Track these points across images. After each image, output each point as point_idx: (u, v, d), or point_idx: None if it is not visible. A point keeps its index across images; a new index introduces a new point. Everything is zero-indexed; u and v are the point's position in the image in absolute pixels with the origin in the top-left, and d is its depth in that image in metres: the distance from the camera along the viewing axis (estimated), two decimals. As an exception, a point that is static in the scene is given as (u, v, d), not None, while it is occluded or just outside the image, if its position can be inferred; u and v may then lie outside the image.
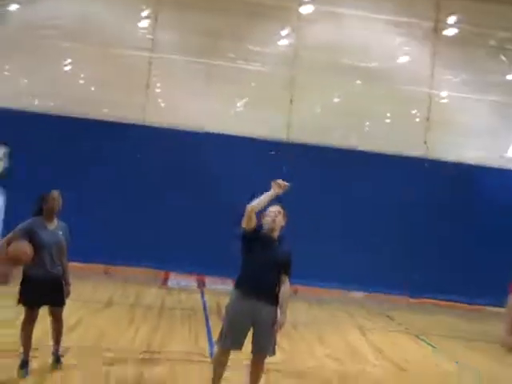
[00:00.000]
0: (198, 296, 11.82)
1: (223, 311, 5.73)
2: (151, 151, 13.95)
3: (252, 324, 5.42)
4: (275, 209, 5.65)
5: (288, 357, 7.77)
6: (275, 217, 5.58)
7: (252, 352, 5.51)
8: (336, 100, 15.31)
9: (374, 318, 11.82)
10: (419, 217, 14.47)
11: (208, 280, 13.39)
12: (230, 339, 5.44)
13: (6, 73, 14.35)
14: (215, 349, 5.69)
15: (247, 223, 5.45)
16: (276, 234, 5.61)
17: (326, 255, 13.75)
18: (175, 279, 13.58)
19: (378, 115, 15.17)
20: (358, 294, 13.98)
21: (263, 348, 5.47)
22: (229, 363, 5.57)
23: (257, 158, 14.10)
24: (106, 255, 13.33)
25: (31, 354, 6.02)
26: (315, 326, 10.31)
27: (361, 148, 14.69)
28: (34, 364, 6.04)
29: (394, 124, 15.25)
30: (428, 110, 15.28)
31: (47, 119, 13.73)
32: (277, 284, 5.50)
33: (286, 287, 5.52)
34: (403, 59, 15.31)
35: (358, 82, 15.16)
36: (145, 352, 7.19)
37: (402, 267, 14.04)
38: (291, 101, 14.80)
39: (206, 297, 11.69)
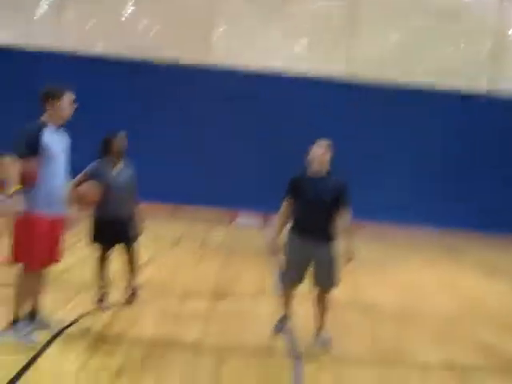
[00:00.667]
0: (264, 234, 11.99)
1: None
2: (215, 92, 14.05)
3: (310, 262, 5.56)
4: (320, 151, 5.62)
5: (353, 292, 7.89)
6: (321, 159, 5.60)
7: (314, 286, 5.67)
8: (399, 36, 14.93)
9: (445, 253, 11.73)
10: (486, 151, 14.22)
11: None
12: (290, 276, 5.64)
13: (69, 16, 14.56)
14: (280, 286, 5.83)
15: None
16: (324, 171, 5.63)
17: (395, 190, 13.70)
18: (243, 218, 13.80)
19: (443, 50, 14.77)
20: (427, 229, 13.86)
21: (323, 284, 5.61)
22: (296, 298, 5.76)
23: (319, 97, 14.02)
24: (175, 195, 13.65)
25: (108, 289, 6.34)
26: (382, 261, 10.35)
27: (425, 84, 14.37)
28: (110, 299, 6.35)
29: (460, 59, 14.83)
30: (495, 44, 14.78)
31: (112, 62, 13.96)
32: (330, 221, 5.57)
33: (344, 219, 5.58)
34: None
35: (423, 16, 14.72)
36: (214, 289, 7.43)
37: (474, 201, 13.86)
38: (352, 36, 14.55)
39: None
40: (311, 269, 5.60)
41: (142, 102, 13.85)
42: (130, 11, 14.74)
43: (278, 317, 5.87)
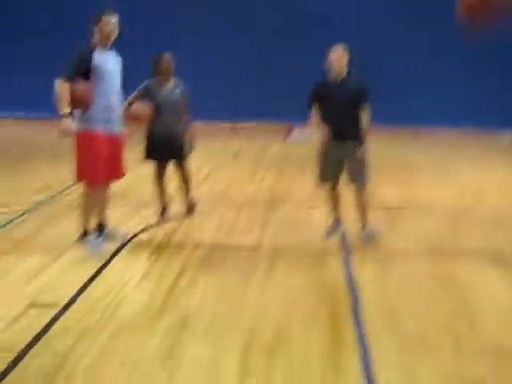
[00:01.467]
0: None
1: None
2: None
3: (343, 159, 5.89)
4: (337, 54, 5.80)
5: (408, 193, 8.08)
6: (339, 63, 5.80)
7: (349, 183, 6.00)
8: None
9: (503, 154, 11.59)
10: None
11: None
12: (326, 174, 6.00)
13: None
14: (322, 188, 6.15)
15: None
16: (342, 74, 5.84)
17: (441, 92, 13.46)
18: (297, 132, 13.93)
19: None
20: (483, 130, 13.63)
21: (357, 178, 5.92)
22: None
23: None
24: (230, 113, 13.86)
25: (168, 203, 6.75)
26: (438, 164, 10.36)
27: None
28: (171, 211, 6.76)
29: None
30: None
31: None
32: (356, 120, 5.85)
33: (366, 116, 5.87)
34: None
35: None
36: (268, 199, 7.74)
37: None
38: None
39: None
40: (345, 167, 5.91)
41: (188, 14, 13.85)
42: None
43: (329, 222, 6.15)
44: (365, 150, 5.90)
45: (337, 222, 6.16)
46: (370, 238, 5.91)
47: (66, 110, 5.18)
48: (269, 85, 13.86)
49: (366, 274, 5.11)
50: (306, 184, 8.55)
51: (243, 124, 14.07)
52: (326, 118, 5.85)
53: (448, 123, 13.44)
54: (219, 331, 4.00)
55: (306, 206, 7.32)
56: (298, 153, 11.49)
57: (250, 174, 9.27)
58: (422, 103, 13.32)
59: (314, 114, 5.93)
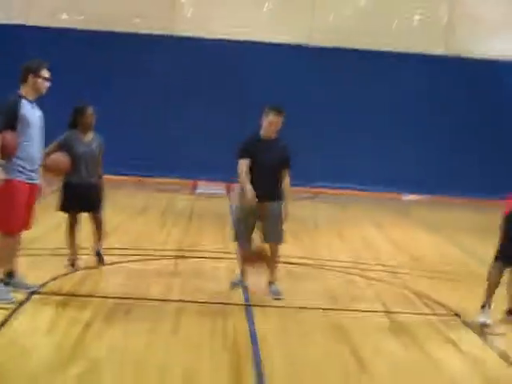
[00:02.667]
0: (226, 201, 12.53)
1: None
2: (178, 62, 14.38)
3: (258, 219, 6.18)
4: (277, 120, 6.12)
5: (307, 251, 8.54)
6: (275, 127, 6.16)
7: (263, 241, 6.29)
8: (360, 1, 15.38)
9: (392, 215, 12.45)
10: (438, 115, 14.85)
11: (235, 186, 14.07)
12: (242, 232, 6.27)
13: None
14: (236, 243, 6.45)
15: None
16: (273, 134, 6.20)
17: (346, 157, 14.37)
18: (204, 187, 14.31)
19: (400, 14, 15.26)
20: (376, 194, 14.56)
21: (271, 237, 6.24)
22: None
23: (280, 64, 14.47)
24: (137, 168, 14.11)
25: (78, 252, 6.86)
26: (335, 224, 11.01)
27: (385, 48, 14.87)
28: (81, 261, 6.87)
29: (419, 22, 15.32)
30: (451, 6, 15.29)
31: (75, 34, 14.19)
32: (277, 181, 6.19)
33: (286, 181, 6.23)
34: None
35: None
36: (177, 250, 7.98)
37: (421, 166, 14.59)
38: (313, 4, 14.96)
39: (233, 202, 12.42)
40: (261, 225, 6.22)
41: (105, 72, 14.10)
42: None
43: (235, 275, 6.47)
44: (281, 210, 6.20)
45: (242, 276, 6.45)
46: (276, 294, 6.23)
47: None
48: (175, 140, 14.23)
49: (267, 326, 5.42)
50: (211, 236, 8.92)
51: (150, 178, 14.31)
52: (253, 175, 6.08)
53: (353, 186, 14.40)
54: (128, 378, 4.17)
55: (213, 257, 7.59)
56: (204, 206, 11.87)
57: (158, 226, 9.48)
58: (322, 166, 14.16)
59: (244, 170, 6.09)
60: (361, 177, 14.58)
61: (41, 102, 5.75)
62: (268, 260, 6.25)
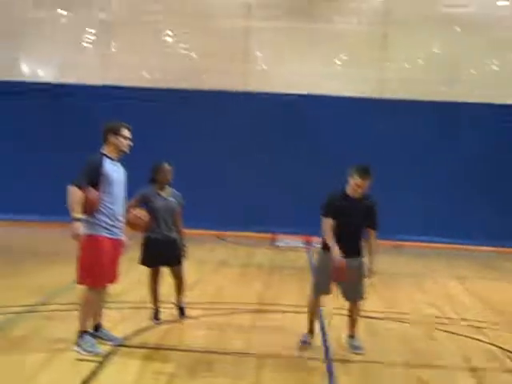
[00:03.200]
0: (305, 255, 12.55)
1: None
2: (254, 117, 14.71)
3: None
4: (364, 183, 6.07)
5: (388, 304, 8.44)
6: (363, 191, 6.11)
7: (344, 299, 6.30)
8: (433, 51, 15.33)
9: (476, 268, 12.13)
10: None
11: (315, 240, 14.05)
12: (319, 287, 6.28)
13: (113, 49, 15.51)
14: (309, 298, 6.45)
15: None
16: (358, 194, 6.14)
17: (426, 209, 14.19)
18: (283, 240, 14.40)
19: (479, 64, 15.11)
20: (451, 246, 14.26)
21: (352, 295, 6.24)
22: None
23: (353, 117, 14.57)
24: (216, 222, 14.37)
25: (160, 305, 7.04)
26: (416, 277, 10.83)
27: (463, 99, 14.74)
28: (164, 314, 7.04)
29: (499, 72, 15.13)
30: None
31: (155, 92, 14.78)
32: (360, 239, 6.19)
33: (373, 239, 6.20)
34: (501, 3, 15.21)
35: (457, 29, 15.11)
36: (257, 304, 8.06)
37: (506, 218, 14.24)
38: (385, 57, 15.06)
39: (314, 255, 12.40)
40: (344, 283, 6.19)
41: (182, 130, 14.57)
42: (169, 42, 15.68)
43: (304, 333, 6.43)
44: (363, 267, 6.20)
45: (311, 334, 6.41)
46: (357, 349, 6.19)
47: (79, 214, 5.57)
48: (254, 197, 14.43)
49: (349, 382, 5.38)
50: (292, 290, 8.95)
51: (228, 232, 14.54)
52: (337, 232, 6.08)
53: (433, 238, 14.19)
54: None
55: (293, 311, 7.61)
56: (284, 260, 11.92)
57: (239, 280, 9.60)
58: (402, 218, 14.00)
59: (328, 228, 6.10)
60: (441, 228, 14.34)
61: (127, 163, 6.04)
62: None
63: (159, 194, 6.94)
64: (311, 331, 6.40)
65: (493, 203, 14.34)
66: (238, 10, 15.34)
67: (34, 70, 15.96)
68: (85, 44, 15.64)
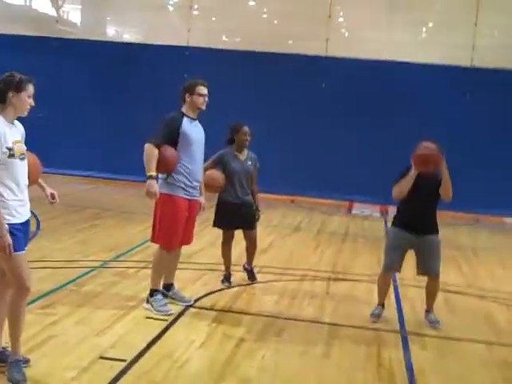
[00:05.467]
0: (381, 224, 12.22)
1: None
2: (335, 82, 14.32)
3: (414, 250, 5.93)
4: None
5: (468, 279, 8.07)
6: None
7: (418, 274, 6.03)
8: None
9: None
10: None
11: (391, 209, 13.65)
12: (389, 264, 6.02)
13: (195, 12, 15.43)
14: (380, 273, 6.18)
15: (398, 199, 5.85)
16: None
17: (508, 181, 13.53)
18: (359, 208, 14.09)
19: None
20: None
21: (432, 269, 5.95)
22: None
23: (441, 85, 13.96)
24: (292, 187, 14.16)
25: (232, 268, 6.94)
26: (496, 251, 10.35)
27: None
28: (234, 277, 6.95)
29: None
30: None
31: (236, 55, 14.62)
32: (435, 211, 5.91)
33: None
34: None
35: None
36: (330, 272, 7.86)
37: None
38: (475, 23, 14.30)
39: (389, 225, 12.04)
40: (417, 257, 5.95)
41: (261, 93, 14.36)
42: (251, 5, 15.46)
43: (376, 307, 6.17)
44: (439, 240, 5.95)
45: (381, 307, 6.15)
46: (434, 323, 5.94)
47: (154, 172, 5.47)
48: (331, 162, 14.14)
49: (425, 358, 5.14)
50: (365, 259, 8.71)
51: (304, 198, 14.32)
52: (406, 209, 5.89)
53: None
54: (278, 400, 4.11)
55: (367, 280, 7.39)
56: (359, 228, 11.65)
57: (311, 247, 9.41)
58: (483, 191, 13.41)
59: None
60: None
61: (203, 119, 5.90)
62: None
63: (237, 157, 6.80)
64: (382, 304, 6.15)
65: None
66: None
67: (119, 31, 16.16)
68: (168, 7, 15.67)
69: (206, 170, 6.41)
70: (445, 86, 13.89)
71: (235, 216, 6.76)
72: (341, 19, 15.27)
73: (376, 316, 6.03)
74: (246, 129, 6.80)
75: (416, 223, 5.82)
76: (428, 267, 5.95)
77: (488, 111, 13.84)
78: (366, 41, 14.48)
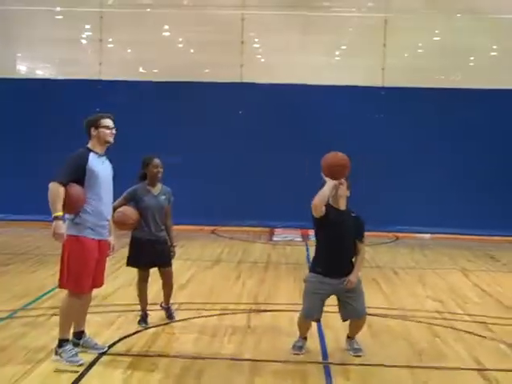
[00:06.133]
0: (303, 249, 12.18)
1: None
2: (251, 108, 14.34)
3: (335, 295, 5.78)
4: (344, 189, 5.72)
5: (389, 300, 8.06)
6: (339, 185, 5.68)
7: (343, 319, 5.87)
8: (434, 38, 15.00)
9: (477, 259, 11.76)
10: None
11: (312, 233, 13.60)
12: (309, 311, 5.80)
13: (109, 45, 15.14)
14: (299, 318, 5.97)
15: (317, 213, 5.59)
16: (343, 205, 5.76)
17: (425, 199, 13.85)
18: (280, 234, 14.04)
19: (481, 50, 14.69)
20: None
21: (353, 315, 5.80)
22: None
23: (354, 106, 14.19)
24: (212, 217, 13.99)
25: (149, 307, 6.65)
26: (416, 269, 10.46)
27: (463, 86, 14.35)
28: (152, 317, 6.65)
29: (500, 57, 14.74)
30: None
31: (152, 86, 14.40)
32: (353, 253, 5.79)
33: (361, 253, 5.80)
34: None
35: (458, 15, 14.76)
36: (252, 303, 7.67)
37: (505, 207, 13.88)
38: (384, 45, 14.65)
39: (310, 250, 12.01)
40: (339, 302, 5.82)
41: (182, 123, 14.17)
42: (165, 36, 15.31)
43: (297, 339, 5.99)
44: (360, 279, 5.80)
45: (303, 340, 5.96)
46: (356, 351, 5.82)
47: (60, 213, 5.15)
48: (250, 189, 14.07)
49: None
50: (288, 288, 8.57)
51: (224, 227, 14.17)
52: (324, 251, 5.76)
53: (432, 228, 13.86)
54: None
55: (290, 310, 7.23)
56: (281, 256, 11.54)
57: (233, 278, 9.21)
58: (401, 208, 13.68)
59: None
60: (441, 219, 13.94)
61: (112, 154, 5.66)
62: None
63: (149, 191, 6.57)
64: (304, 337, 5.98)
65: (494, 192, 13.97)
66: (234, 1, 14.97)
67: (31, 67, 15.69)
68: (81, 40, 15.39)
69: (117, 207, 6.20)
70: (359, 106, 14.17)
71: (150, 254, 6.50)
72: (255, 45, 15.34)
73: (298, 349, 5.87)
74: (156, 161, 6.58)
75: (335, 266, 5.69)
76: (353, 312, 5.79)
77: (400, 129, 14.17)
78: (281, 65, 14.62)
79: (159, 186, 6.66)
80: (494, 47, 14.86)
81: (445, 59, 14.53)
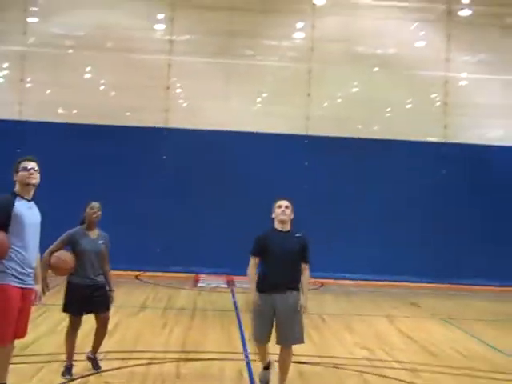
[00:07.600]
0: (229, 295, 12.06)
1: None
2: (175, 153, 14.27)
3: (274, 314, 5.76)
4: (284, 203, 5.93)
5: (319, 348, 8.02)
6: (284, 210, 5.89)
7: (277, 343, 5.83)
8: (354, 90, 15.54)
9: (401, 306, 11.97)
10: (440, 202, 14.68)
11: (237, 279, 13.57)
12: (258, 335, 5.83)
13: (28, 85, 14.79)
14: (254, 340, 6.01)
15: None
16: (287, 227, 5.91)
17: (350, 246, 14.06)
18: (205, 280, 13.88)
19: (397, 102, 15.30)
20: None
21: (285, 339, 5.77)
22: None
23: (278, 154, 14.37)
24: (136, 262, 13.70)
25: (73, 359, 6.33)
26: (343, 316, 10.52)
27: (381, 136, 14.84)
28: (76, 368, 6.34)
29: (414, 110, 15.37)
30: (446, 93, 15.37)
31: (71, 128, 14.11)
32: (296, 273, 5.84)
33: (305, 275, 5.88)
34: (419, 44, 15.66)
35: (376, 69, 15.39)
36: (180, 352, 7.47)
37: (425, 254, 14.28)
38: (309, 94, 15.01)
39: (237, 296, 11.93)
40: (276, 322, 5.78)
41: (103, 168, 13.94)
42: (87, 78, 15.09)
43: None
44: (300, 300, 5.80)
45: (268, 369, 5.94)
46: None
47: None
48: (174, 235, 13.92)
49: None
50: (216, 334, 8.42)
51: (150, 273, 13.91)
52: (267, 271, 5.81)
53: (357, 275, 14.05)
54: None
55: (219, 358, 7.09)
56: (207, 302, 11.38)
57: (159, 325, 8.97)
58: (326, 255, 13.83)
59: (252, 265, 5.87)
60: (365, 266, 14.20)
61: (43, 199, 5.44)
62: None
63: (87, 235, 6.40)
64: (267, 366, 5.97)
65: (411, 238, 14.38)
66: (159, 46, 14.99)
67: None
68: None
69: (54, 250, 6.07)
70: (283, 153, 14.37)
71: (87, 300, 6.29)
72: (179, 90, 15.37)
73: (264, 381, 5.84)
74: (93, 204, 6.48)
75: (277, 281, 5.73)
76: (286, 335, 5.75)
77: (325, 175, 14.44)
78: (205, 111, 14.70)
79: (97, 230, 6.53)
80: (409, 100, 15.44)
81: (363, 110, 15.02)
